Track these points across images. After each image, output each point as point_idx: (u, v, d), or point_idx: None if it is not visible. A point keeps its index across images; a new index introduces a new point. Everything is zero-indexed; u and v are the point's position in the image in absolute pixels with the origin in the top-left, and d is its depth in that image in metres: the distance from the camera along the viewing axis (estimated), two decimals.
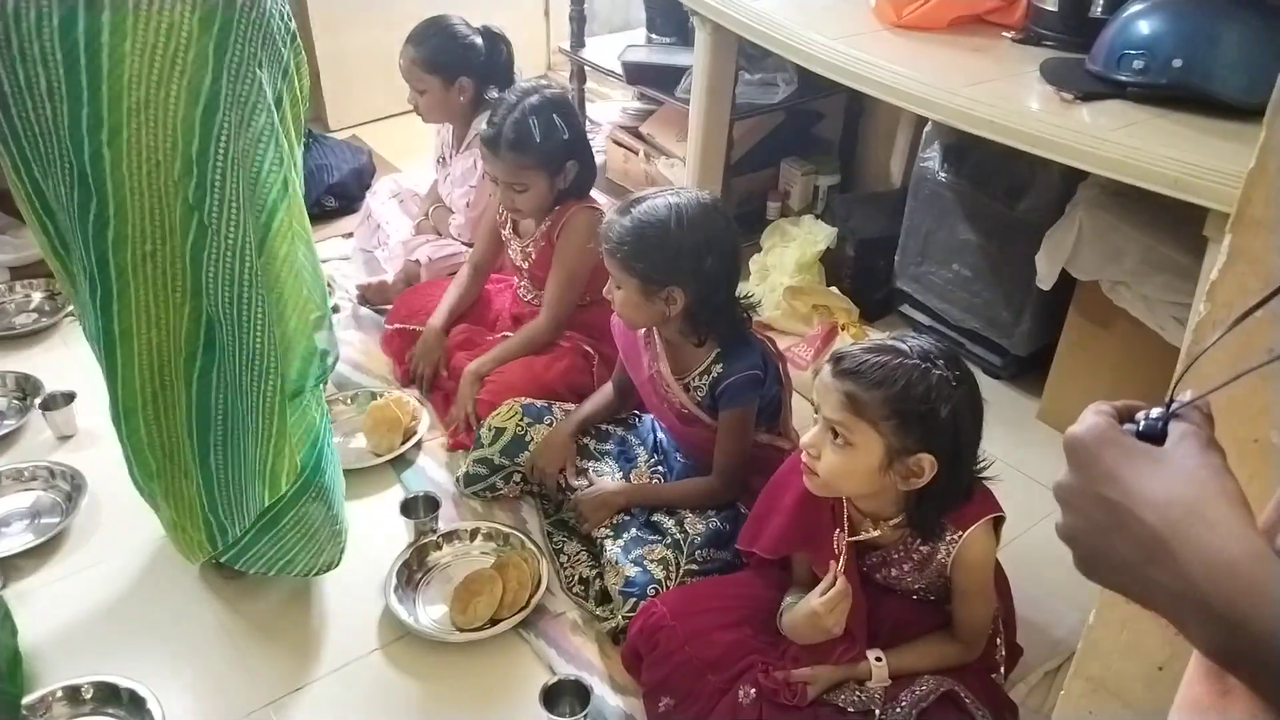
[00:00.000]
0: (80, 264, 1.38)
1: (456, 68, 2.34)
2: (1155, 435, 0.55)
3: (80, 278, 1.40)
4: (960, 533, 1.36)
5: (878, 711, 1.38)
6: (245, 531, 1.57)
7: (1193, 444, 0.53)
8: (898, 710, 1.37)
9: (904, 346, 1.30)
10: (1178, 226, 1.76)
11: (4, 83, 1.24)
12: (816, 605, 1.37)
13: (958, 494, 1.33)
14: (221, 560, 1.67)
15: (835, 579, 1.37)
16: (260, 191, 1.33)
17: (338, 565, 1.70)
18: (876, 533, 1.38)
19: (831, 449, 1.31)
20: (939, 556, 1.38)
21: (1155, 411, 0.56)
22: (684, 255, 1.60)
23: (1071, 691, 0.85)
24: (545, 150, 1.96)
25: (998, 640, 1.50)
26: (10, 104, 1.26)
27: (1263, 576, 0.47)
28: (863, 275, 2.46)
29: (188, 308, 1.40)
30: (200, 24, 1.24)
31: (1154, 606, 0.52)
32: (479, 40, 2.38)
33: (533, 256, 2.13)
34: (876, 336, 1.35)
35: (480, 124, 2.40)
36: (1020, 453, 1.96)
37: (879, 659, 1.42)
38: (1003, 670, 1.51)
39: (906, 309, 2.46)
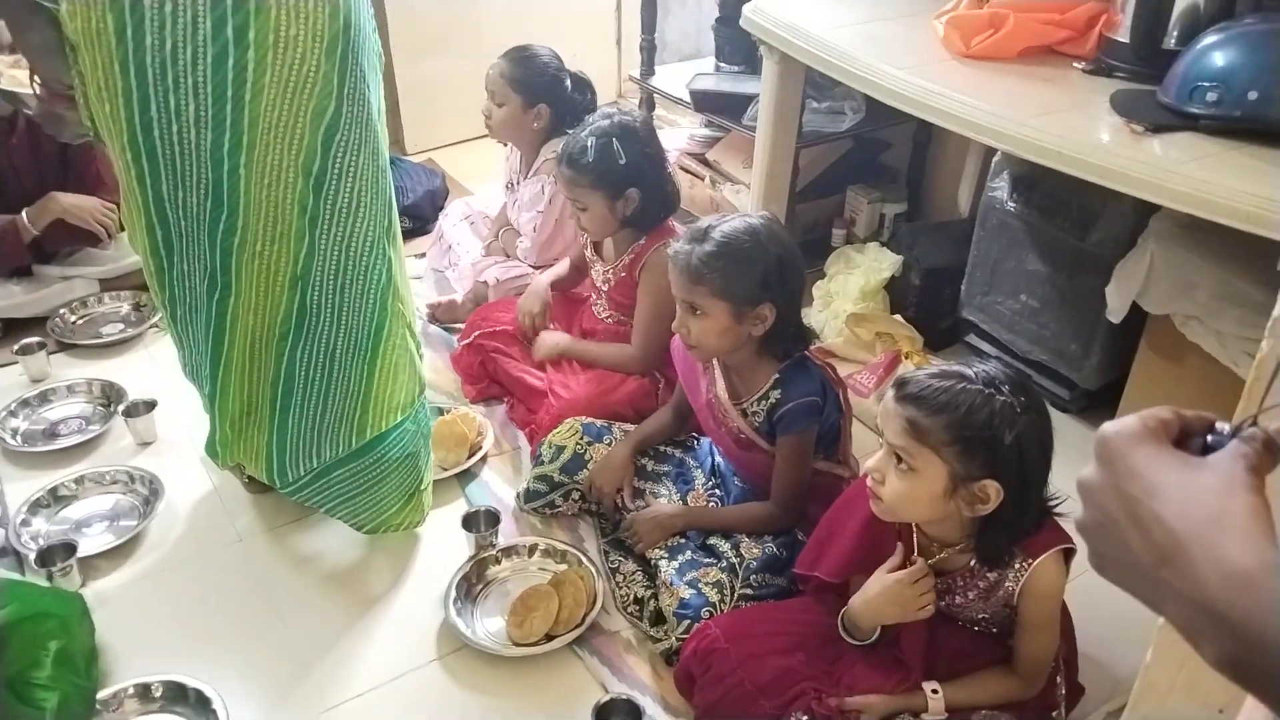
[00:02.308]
0: (199, 263, 1.57)
1: (539, 93, 2.42)
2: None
3: (197, 276, 1.59)
4: (1030, 561, 1.35)
5: None
6: (305, 475, 1.71)
7: (1234, 460, 0.52)
8: None
9: (969, 372, 1.29)
10: (1252, 260, 1.72)
11: (154, 108, 1.41)
12: (902, 575, 1.37)
13: (1026, 523, 1.32)
14: (284, 490, 1.78)
15: (906, 560, 1.36)
16: (373, 198, 1.52)
17: (410, 528, 1.84)
18: (943, 555, 1.37)
19: (895, 474, 1.31)
20: (1006, 584, 1.37)
21: (1220, 427, 0.55)
22: (771, 270, 1.62)
23: None
24: (599, 172, 2.01)
25: (1058, 678, 1.47)
26: (155, 127, 1.43)
27: None
28: (928, 304, 2.44)
29: (285, 298, 1.56)
30: (326, 54, 1.39)
31: (1165, 613, 0.51)
32: (567, 78, 2.46)
33: (611, 282, 2.18)
34: (941, 363, 1.34)
35: (549, 150, 2.47)
36: None
37: (935, 691, 1.41)
38: (1063, 709, 1.48)
39: (973, 339, 2.43)
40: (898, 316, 2.37)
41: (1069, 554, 1.37)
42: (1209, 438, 0.55)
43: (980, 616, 1.44)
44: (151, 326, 2.49)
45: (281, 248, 1.52)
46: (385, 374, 1.66)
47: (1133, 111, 1.46)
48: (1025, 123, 1.49)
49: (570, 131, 2.40)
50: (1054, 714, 1.46)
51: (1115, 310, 1.97)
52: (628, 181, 2.03)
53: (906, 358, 2.23)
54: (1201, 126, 1.39)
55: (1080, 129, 1.47)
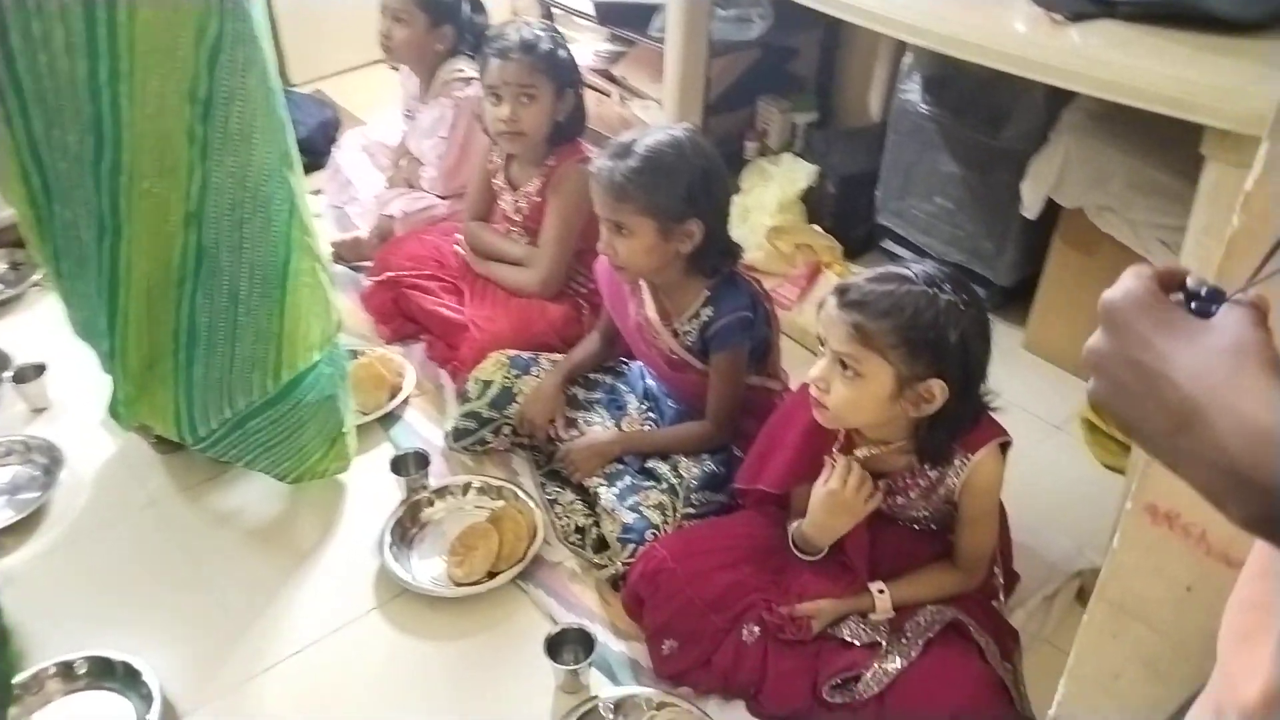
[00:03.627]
0: (84, 208, 1.45)
1: (444, 13, 2.31)
2: (1204, 316, 0.52)
3: (82, 223, 1.47)
4: (970, 456, 1.36)
5: (884, 644, 1.38)
6: (217, 429, 1.62)
7: (1241, 318, 0.51)
8: (903, 641, 1.37)
9: (909, 273, 1.28)
10: (1165, 148, 1.75)
11: (15, 36, 1.29)
12: (832, 482, 1.37)
13: (967, 418, 1.34)
14: (197, 447, 1.69)
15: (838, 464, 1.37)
16: (266, 122, 1.43)
17: (335, 473, 1.77)
18: (875, 452, 1.36)
19: (841, 381, 1.30)
20: (947, 481, 1.39)
21: (1206, 290, 0.53)
22: (697, 183, 1.58)
23: (1094, 616, 0.84)
24: (553, 58, 1.96)
25: (995, 568, 1.50)
26: (18, 57, 1.31)
27: None
28: (844, 212, 2.43)
29: (180, 238, 1.46)
30: None
31: (1188, 477, 0.50)
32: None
33: (525, 211, 2.10)
34: (885, 268, 1.33)
35: (446, 73, 2.35)
36: (1007, 383, 1.95)
37: (881, 590, 1.42)
38: (1002, 596, 1.52)
39: (889, 244, 2.43)
40: (816, 227, 2.35)
41: (1005, 447, 1.39)
42: (1193, 303, 0.54)
43: (921, 515, 1.46)
44: (33, 285, 2.32)
45: (172, 183, 1.42)
46: (296, 311, 1.57)
47: (1051, 2, 1.44)
48: (945, 17, 1.46)
49: (470, 55, 2.31)
50: (994, 602, 1.50)
51: (1030, 205, 1.98)
52: (570, 78, 2.00)
53: (827, 267, 2.22)
54: (1119, 13, 1.39)
55: (1000, 21, 1.45)
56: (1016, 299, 2.24)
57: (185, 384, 1.58)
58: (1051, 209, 1.99)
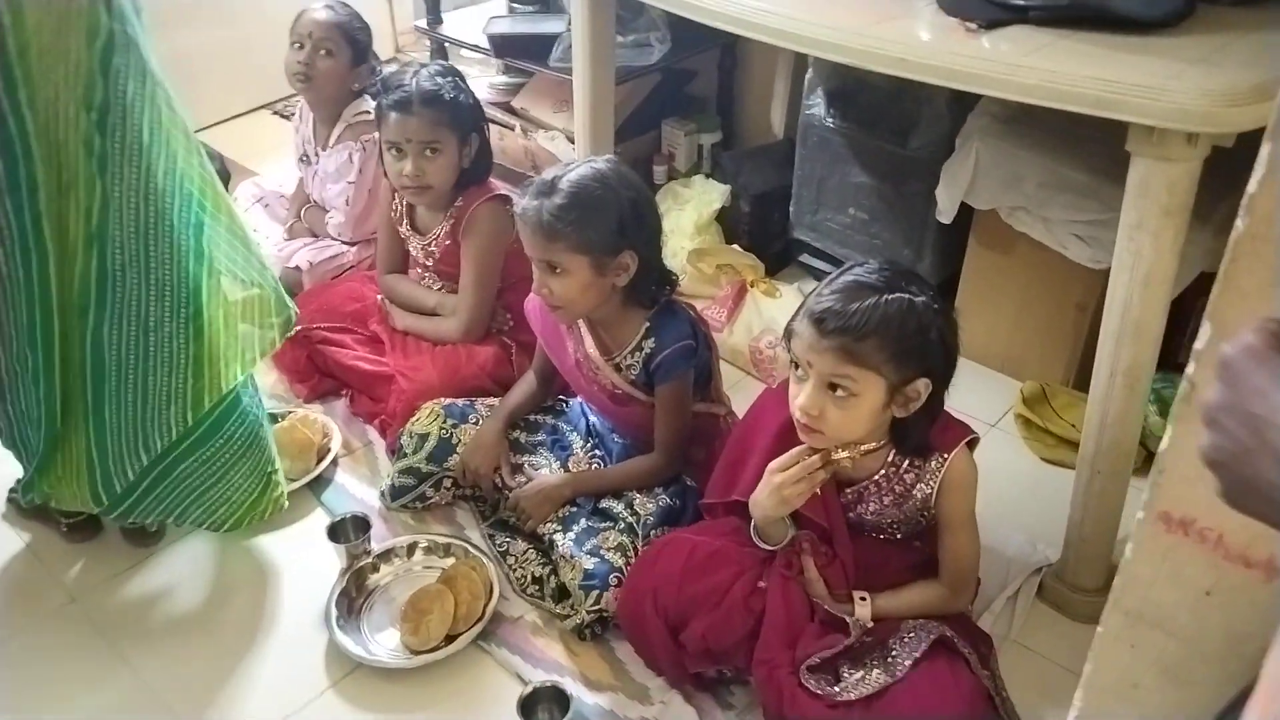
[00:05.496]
0: (9, 233, 1.34)
1: (363, 52, 2.25)
2: None
3: (14, 257, 1.35)
4: (945, 456, 1.37)
5: (852, 631, 1.38)
6: (139, 478, 1.51)
7: None
8: (889, 659, 1.35)
9: (871, 281, 1.28)
10: (1075, 147, 1.80)
11: None
12: (771, 466, 1.35)
13: (939, 408, 1.35)
14: (113, 516, 1.58)
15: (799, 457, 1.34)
16: (169, 128, 1.37)
17: (274, 513, 1.69)
18: (850, 454, 1.34)
19: (834, 404, 1.28)
20: (921, 485, 1.39)
21: None
22: (627, 213, 1.54)
23: (1110, 627, 0.83)
24: (457, 107, 1.90)
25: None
26: None
27: None
28: (759, 230, 2.44)
29: (80, 261, 1.36)
30: None
31: None
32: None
33: (436, 254, 2.04)
34: (839, 280, 1.32)
35: (350, 115, 2.27)
36: None
37: (864, 599, 1.41)
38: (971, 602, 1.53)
39: (806, 258, 2.45)
40: (735, 246, 2.35)
41: (972, 444, 1.40)
42: None
43: (888, 523, 1.45)
44: None
45: (70, 201, 1.32)
46: (213, 333, 1.46)
47: (961, 9, 1.46)
48: (860, 32, 1.47)
49: (371, 94, 2.24)
50: (965, 610, 1.50)
51: (945, 210, 2.02)
52: (473, 123, 1.94)
53: (752, 286, 2.21)
54: (1031, 18, 1.41)
55: (914, 33, 1.46)
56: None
57: (96, 429, 1.45)
58: (965, 212, 2.02)
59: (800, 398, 1.30)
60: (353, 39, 2.21)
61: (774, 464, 1.36)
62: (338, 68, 2.21)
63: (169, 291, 1.40)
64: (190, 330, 1.43)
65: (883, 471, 1.40)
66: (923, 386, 1.29)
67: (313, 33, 2.19)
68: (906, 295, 1.27)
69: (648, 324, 1.63)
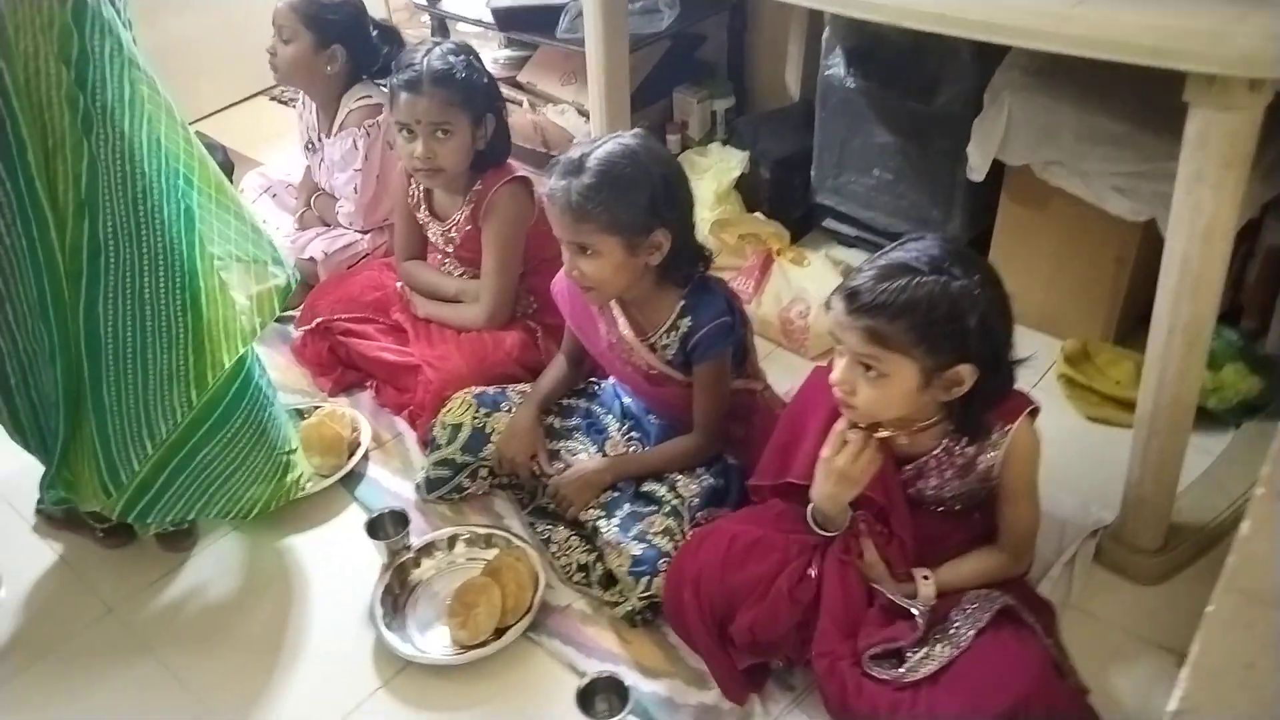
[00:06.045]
0: (9, 209, 1.31)
1: (333, 33, 2.14)
2: None
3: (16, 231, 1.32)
4: (1008, 428, 1.33)
5: (919, 620, 1.33)
6: (156, 470, 1.46)
7: None
8: (951, 631, 1.32)
9: (913, 261, 1.23)
10: (1110, 96, 1.74)
11: None
12: (825, 451, 1.31)
13: (1002, 390, 1.31)
14: (133, 516, 1.51)
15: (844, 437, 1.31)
16: (148, 84, 1.34)
17: (293, 496, 1.65)
18: (895, 433, 1.31)
19: (865, 382, 1.25)
20: (985, 457, 1.35)
21: None
22: (659, 191, 1.49)
23: (1222, 607, 0.79)
24: (470, 87, 1.83)
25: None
26: None
27: None
28: (780, 196, 2.38)
29: (71, 229, 1.33)
30: None
31: None
32: (370, 24, 2.21)
33: (456, 240, 1.99)
34: (884, 257, 1.27)
35: (352, 100, 2.21)
36: None
37: (926, 577, 1.37)
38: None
39: (831, 223, 2.40)
40: (758, 214, 2.29)
41: (1034, 413, 1.37)
42: None
43: (949, 497, 1.41)
44: None
45: (58, 162, 1.29)
46: (210, 308, 1.42)
47: None
48: None
49: (379, 82, 2.18)
50: (1025, 578, 1.47)
51: (977, 168, 1.96)
52: (487, 104, 1.87)
53: (779, 254, 2.16)
54: None
55: None
56: None
57: (96, 413, 1.41)
58: (994, 169, 1.97)
59: (835, 372, 1.28)
60: (315, 21, 2.12)
61: (824, 453, 1.33)
62: (298, 54, 2.14)
63: (162, 264, 1.36)
64: (187, 302, 1.39)
65: (942, 446, 1.36)
66: (965, 373, 1.24)
67: (275, 19, 2.14)
68: (945, 278, 1.21)
69: (683, 302, 1.59)
